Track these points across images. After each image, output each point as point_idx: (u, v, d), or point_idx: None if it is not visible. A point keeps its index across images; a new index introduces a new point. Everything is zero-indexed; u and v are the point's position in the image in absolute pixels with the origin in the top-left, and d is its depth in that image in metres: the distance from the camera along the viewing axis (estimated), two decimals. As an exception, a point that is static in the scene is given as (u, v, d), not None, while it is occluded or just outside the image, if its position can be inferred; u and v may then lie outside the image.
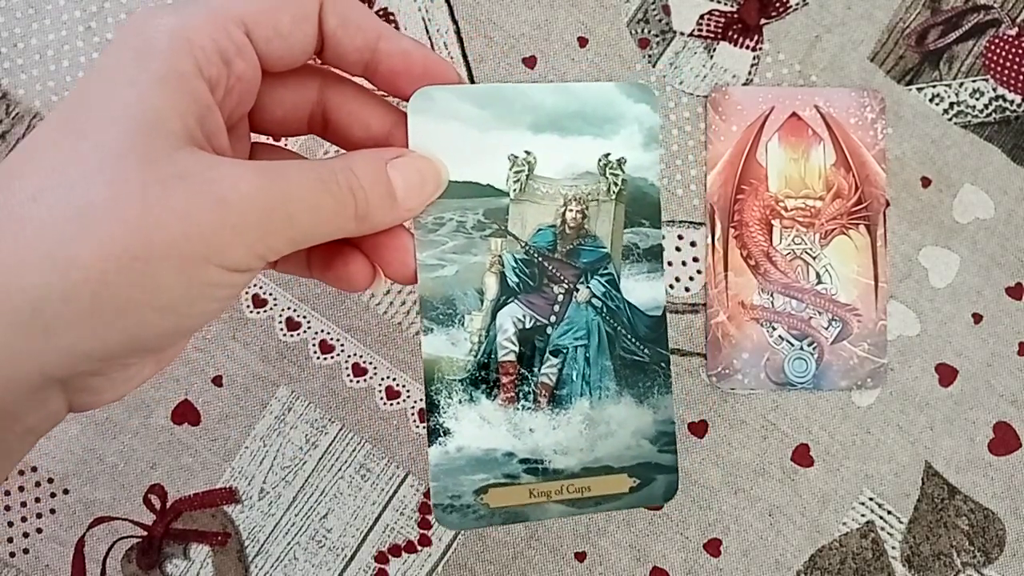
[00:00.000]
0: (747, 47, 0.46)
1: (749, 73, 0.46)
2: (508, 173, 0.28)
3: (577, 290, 0.29)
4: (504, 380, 0.28)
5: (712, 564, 0.45)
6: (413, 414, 0.45)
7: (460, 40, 0.46)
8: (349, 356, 0.45)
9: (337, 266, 0.27)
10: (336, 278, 0.27)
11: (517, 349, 0.28)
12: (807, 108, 0.46)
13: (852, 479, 0.45)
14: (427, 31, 0.46)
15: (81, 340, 0.20)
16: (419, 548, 0.44)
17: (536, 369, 0.29)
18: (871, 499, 0.45)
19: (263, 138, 0.29)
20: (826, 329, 0.45)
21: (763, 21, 0.47)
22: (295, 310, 0.45)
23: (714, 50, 0.47)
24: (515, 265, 0.28)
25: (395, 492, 0.45)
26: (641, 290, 0.29)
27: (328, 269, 0.27)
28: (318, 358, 0.45)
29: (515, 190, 0.28)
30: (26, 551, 0.44)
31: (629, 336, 0.29)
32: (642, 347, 0.29)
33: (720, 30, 0.47)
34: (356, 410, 0.45)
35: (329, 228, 0.24)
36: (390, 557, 0.44)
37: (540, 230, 0.28)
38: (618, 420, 0.29)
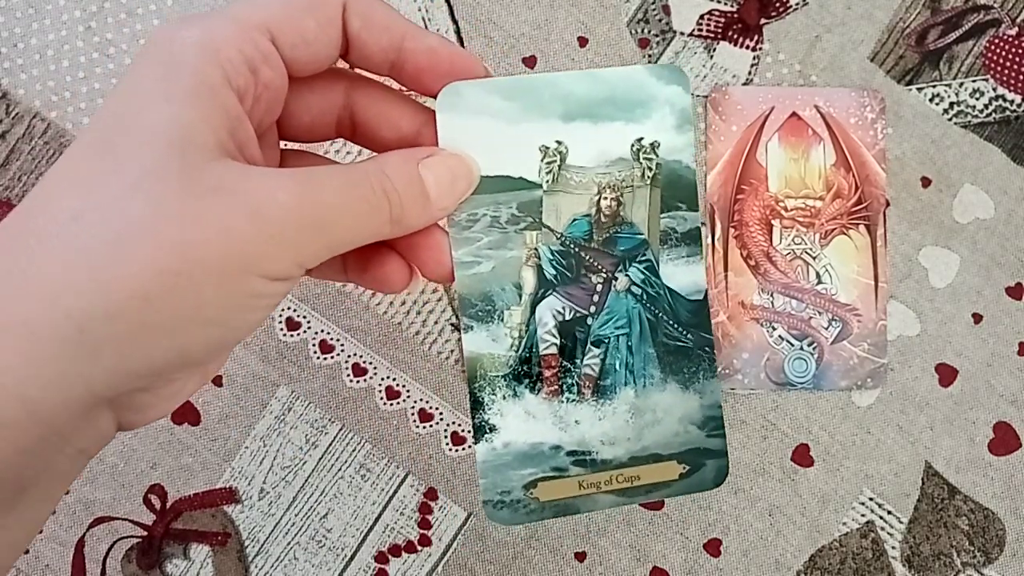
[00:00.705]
0: (747, 47, 0.46)
1: (749, 73, 0.46)
2: (540, 164, 0.27)
3: (616, 279, 0.28)
4: (547, 373, 0.28)
5: (712, 564, 0.45)
6: (413, 414, 0.45)
7: (460, 40, 0.46)
8: (349, 356, 0.45)
9: (373, 268, 0.27)
10: (373, 280, 0.27)
11: (558, 341, 0.28)
12: (807, 108, 0.46)
13: (852, 479, 0.45)
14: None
15: (129, 358, 0.20)
16: (419, 548, 0.45)
17: (579, 361, 0.28)
18: (871, 499, 0.45)
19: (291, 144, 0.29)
20: (826, 329, 0.45)
21: (763, 21, 0.47)
22: (295, 310, 0.45)
23: (714, 50, 0.47)
24: (552, 257, 0.28)
25: (395, 492, 0.45)
26: (681, 275, 0.29)
27: (364, 272, 0.27)
28: (318, 358, 0.45)
29: (548, 181, 0.28)
30: (26, 551, 0.44)
31: (671, 322, 0.29)
32: (685, 332, 0.29)
33: (720, 30, 0.47)
34: (356, 410, 0.45)
35: (365, 232, 0.24)
36: (390, 557, 0.44)
37: (575, 220, 0.28)
38: (664, 407, 0.28)
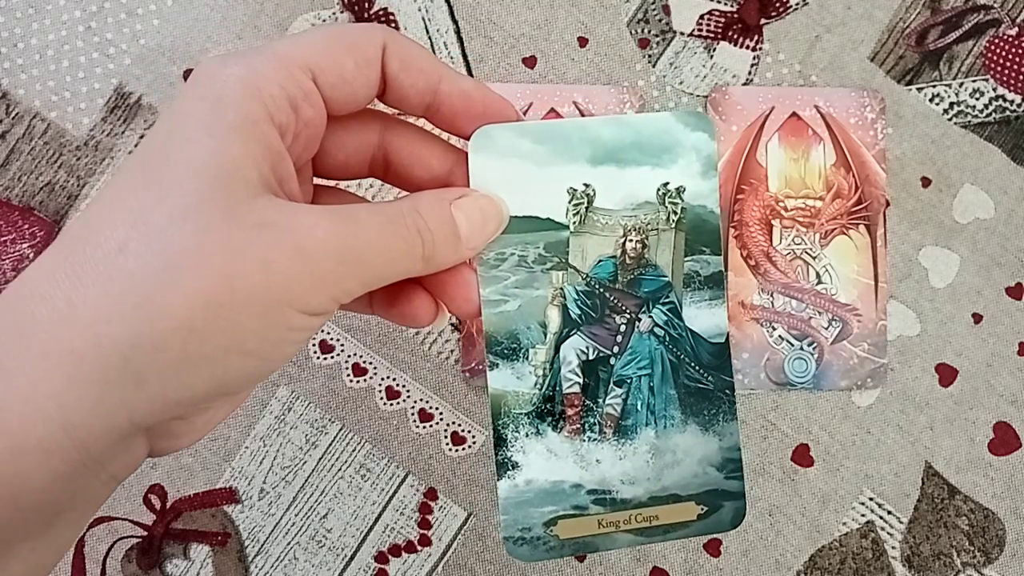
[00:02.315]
0: (747, 47, 0.46)
1: (749, 73, 0.46)
2: (567, 206, 0.28)
3: (639, 320, 0.29)
4: (569, 412, 0.28)
5: (712, 564, 0.45)
6: (413, 414, 0.45)
7: (460, 40, 0.46)
8: (349, 356, 0.45)
9: (400, 304, 0.27)
10: (400, 315, 0.28)
11: (581, 381, 0.28)
12: (807, 108, 0.46)
13: (852, 479, 0.45)
14: (427, 31, 0.46)
15: (170, 388, 0.21)
16: (419, 548, 0.45)
17: (601, 400, 0.29)
18: (871, 499, 0.45)
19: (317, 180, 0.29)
20: (826, 329, 0.45)
21: (763, 21, 0.47)
22: (295, 310, 0.45)
23: (714, 50, 0.47)
24: (577, 297, 0.28)
25: (395, 492, 0.45)
26: (703, 318, 0.29)
27: (392, 307, 0.28)
28: (318, 358, 0.45)
29: (575, 223, 0.28)
30: (26, 551, 0.44)
31: (692, 364, 0.29)
32: (706, 375, 0.29)
33: (720, 30, 0.47)
34: (356, 410, 0.45)
35: (398, 269, 0.24)
36: (390, 557, 0.44)
37: (601, 261, 0.28)
38: (684, 448, 0.29)
